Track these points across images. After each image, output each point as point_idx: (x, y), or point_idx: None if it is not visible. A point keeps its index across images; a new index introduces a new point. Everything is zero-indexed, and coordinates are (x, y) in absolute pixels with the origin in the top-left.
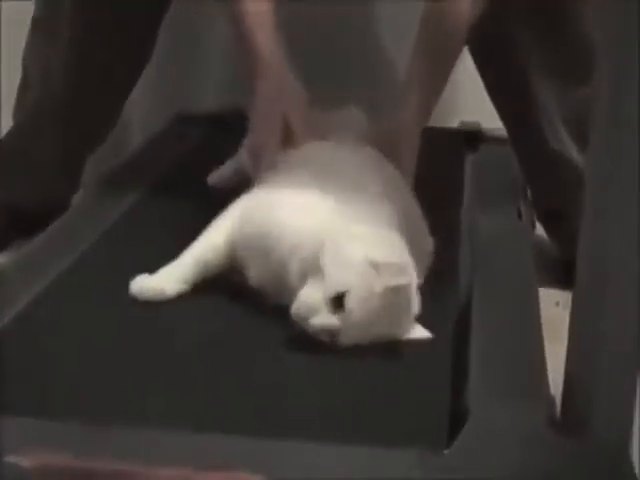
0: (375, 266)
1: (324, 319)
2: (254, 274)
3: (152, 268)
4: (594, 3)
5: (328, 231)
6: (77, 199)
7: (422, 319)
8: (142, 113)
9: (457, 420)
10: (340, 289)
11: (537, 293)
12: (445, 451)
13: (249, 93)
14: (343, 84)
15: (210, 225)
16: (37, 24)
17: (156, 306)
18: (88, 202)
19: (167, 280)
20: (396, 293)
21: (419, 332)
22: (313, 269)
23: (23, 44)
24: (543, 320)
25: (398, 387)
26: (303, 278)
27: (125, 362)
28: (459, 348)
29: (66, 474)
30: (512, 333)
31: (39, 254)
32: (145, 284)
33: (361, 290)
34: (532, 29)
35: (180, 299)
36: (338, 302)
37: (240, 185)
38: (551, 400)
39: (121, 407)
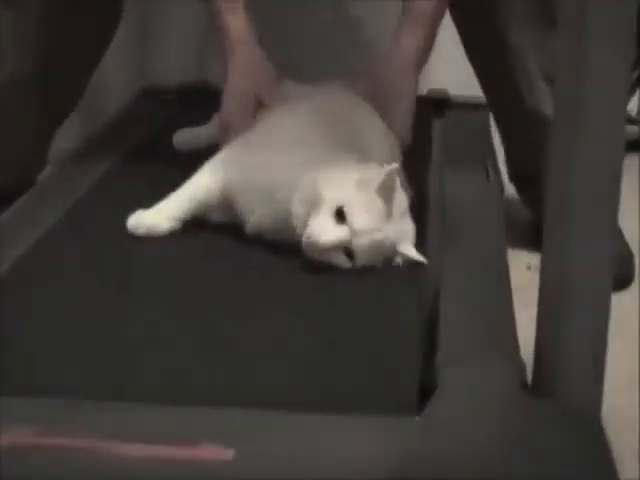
0: (366, 181)
1: (333, 232)
2: (253, 217)
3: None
4: None
5: (322, 169)
6: (43, 176)
7: (390, 284)
8: (107, 87)
9: (428, 386)
10: (339, 203)
11: (506, 256)
12: (416, 417)
13: (222, 74)
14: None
15: (201, 168)
16: (4, 2)
17: (131, 261)
18: (55, 177)
19: (160, 217)
20: (387, 188)
21: (415, 255)
22: (314, 204)
23: None
24: (515, 284)
25: (367, 354)
26: (305, 217)
27: (93, 335)
28: (428, 313)
29: (36, 451)
30: (482, 298)
31: (9, 227)
32: (140, 220)
33: (358, 200)
34: None
35: (171, 236)
36: (341, 218)
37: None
38: (521, 364)
39: (88, 381)
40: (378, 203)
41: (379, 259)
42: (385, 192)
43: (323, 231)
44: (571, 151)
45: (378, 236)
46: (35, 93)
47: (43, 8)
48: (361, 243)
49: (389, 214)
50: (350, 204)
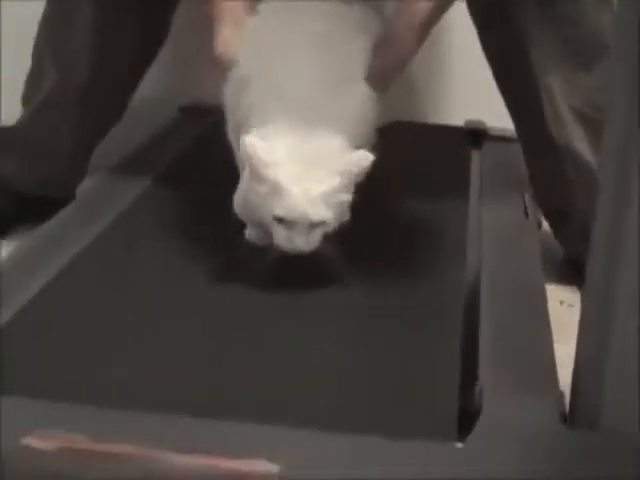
0: None
1: None
2: None
3: (163, 259)
4: None
5: None
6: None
7: (430, 319)
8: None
9: (468, 415)
10: None
11: (544, 289)
12: (458, 444)
13: None
14: None
15: None
16: (55, 11)
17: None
18: (94, 193)
19: None
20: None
21: None
22: None
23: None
24: None
25: (408, 381)
26: None
27: (140, 345)
28: (468, 344)
29: (84, 457)
30: (521, 329)
31: (46, 244)
32: None
33: None
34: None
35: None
36: None
37: None
38: (561, 395)
39: (139, 390)
40: None
41: None
42: None
43: None
44: (619, 197)
45: None
46: (83, 100)
47: (91, 21)
48: None
49: None
50: None
